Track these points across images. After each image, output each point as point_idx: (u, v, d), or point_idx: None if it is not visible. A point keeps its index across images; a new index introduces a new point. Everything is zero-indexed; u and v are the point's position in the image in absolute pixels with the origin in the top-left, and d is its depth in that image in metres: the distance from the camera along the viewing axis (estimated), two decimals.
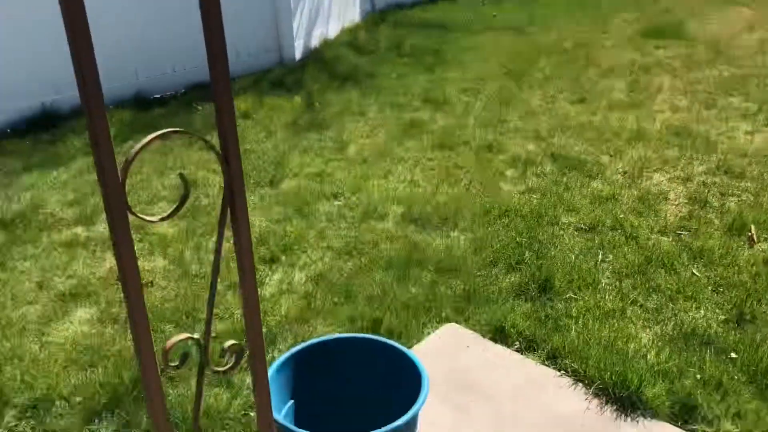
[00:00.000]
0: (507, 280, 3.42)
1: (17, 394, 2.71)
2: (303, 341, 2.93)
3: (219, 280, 3.68)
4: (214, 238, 3.93)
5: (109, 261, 3.79)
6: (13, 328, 3.17)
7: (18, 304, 3.40)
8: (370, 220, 4.14)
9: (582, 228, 3.94)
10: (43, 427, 2.53)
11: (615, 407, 2.54)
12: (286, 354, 2.16)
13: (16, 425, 2.58)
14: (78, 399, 2.68)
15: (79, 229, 4.17)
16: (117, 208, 1.32)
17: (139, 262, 3.74)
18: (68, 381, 2.79)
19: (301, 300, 3.34)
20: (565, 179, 4.61)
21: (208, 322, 1.65)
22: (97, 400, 2.66)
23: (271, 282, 3.51)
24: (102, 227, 4.18)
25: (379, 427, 1.83)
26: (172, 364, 1.61)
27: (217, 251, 1.56)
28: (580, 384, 2.66)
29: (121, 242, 1.35)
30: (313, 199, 4.44)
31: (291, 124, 5.98)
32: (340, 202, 4.41)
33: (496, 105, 6.26)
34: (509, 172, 4.80)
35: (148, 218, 1.41)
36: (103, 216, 4.40)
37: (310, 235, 3.99)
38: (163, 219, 1.46)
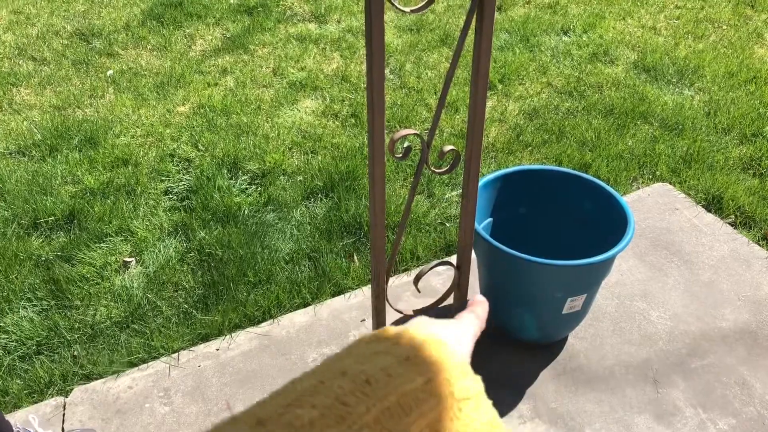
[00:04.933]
0: (737, 150, 3.13)
1: (249, 162, 3.07)
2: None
3: (433, 96, 3.74)
4: (435, 56, 3.96)
5: (337, 61, 3.98)
6: (251, 106, 3.52)
7: (256, 85, 3.74)
8: (597, 62, 3.91)
9: None
10: (268, 194, 2.87)
11: None
12: (494, 174, 2.20)
13: (246, 188, 2.94)
14: (299, 178, 2.98)
15: (312, 26, 4.38)
16: None
17: (362, 67, 3.90)
18: (292, 161, 3.10)
19: (511, 131, 3.33)
20: None
21: (435, 121, 1.72)
22: (314, 182, 2.94)
23: None
24: (332, 27, 4.36)
25: (571, 259, 1.86)
26: (397, 155, 1.72)
27: (457, 50, 1.58)
28: None
29: (375, 29, 1.41)
30: (541, 30, 4.25)
31: None
32: (569, 38, 4.18)
33: None
34: None
35: (402, 8, 1.44)
36: (335, 16, 4.57)
37: (531, 67, 3.88)
38: (414, 11, 1.49)
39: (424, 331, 0.49)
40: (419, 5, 1.51)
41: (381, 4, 1.39)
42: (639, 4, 4.61)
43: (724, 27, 4.31)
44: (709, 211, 2.79)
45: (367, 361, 0.44)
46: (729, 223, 2.72)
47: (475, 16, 1.54)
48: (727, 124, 3.32)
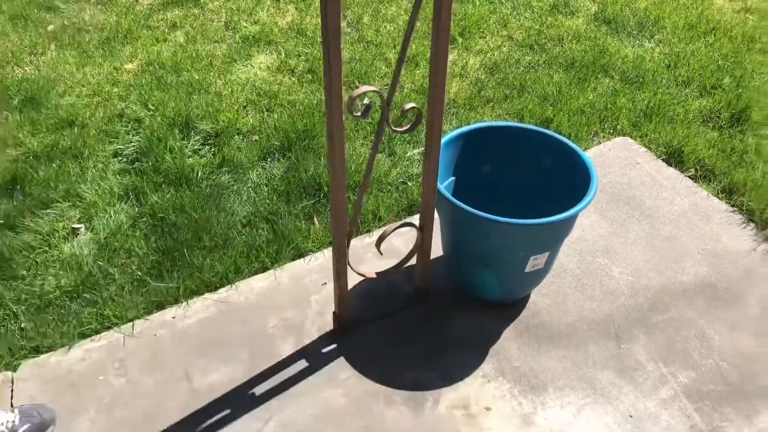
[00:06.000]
0: (697, 103, 3.13)
1: (202, 122, 2.94)
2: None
3: (392, 50, 3.62)
4: (393, 8, 3.85)
5: (291, 14, 3.84)
6: (202, 63, 3.37)
7: (207, 41, 3.58)
8: (558, 14, 3.84)
9: None
10: (223, 155, 2.77)
11: None
12: (456, 131, 2.14)
13: (199, 149, 2.83)
14: (255, 137, 2.88)
15: None
16: None
17: (318, 20, 3.76)
18: (247, 120, 2.99)
19: (472, 86, 3.26)
20: None
21: (395, 79, 1.64)
22: (271, 142, 2.84)
23: None
24: None
25: (533, 217, 1.83)
26: (357, 113, 1.65)
27: (415, 7, 1.50)
28: (752, 224, 2.49)
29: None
30: None
31: None
32: None
33: None
34: None
35: None
36: None
37: (492, 20, 3.79)
38: None
39: None
40: None
41: None
42: None
43: None
44: (670, 164, 2.79)
45: None
46: (689, 177, 2.72)
47: None
48: (687, 76, 3.31)
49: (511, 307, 2.17)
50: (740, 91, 3.18)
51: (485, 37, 3.65)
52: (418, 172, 2.72)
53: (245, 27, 3.69)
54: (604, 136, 2.96)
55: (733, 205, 2.58)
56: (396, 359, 2.00)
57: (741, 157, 2.79)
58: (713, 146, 2.84)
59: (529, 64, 3.42)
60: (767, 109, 3.05)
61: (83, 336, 2.07)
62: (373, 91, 1.59)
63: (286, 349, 2.02)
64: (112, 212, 2.50)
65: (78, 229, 2.45)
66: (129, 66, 3.36)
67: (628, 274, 2.29)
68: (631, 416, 1.86)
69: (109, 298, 2.18)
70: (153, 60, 3.38)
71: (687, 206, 2.58)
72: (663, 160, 2.80)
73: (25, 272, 2.27)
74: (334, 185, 1.69)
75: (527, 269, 1.98)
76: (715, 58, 3.44)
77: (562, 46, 3.56)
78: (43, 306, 2.16)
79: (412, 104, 1.74)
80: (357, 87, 3.22)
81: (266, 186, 2.64)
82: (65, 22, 3.71)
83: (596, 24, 3.76)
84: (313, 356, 2.00)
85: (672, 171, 2.75)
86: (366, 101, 1.71)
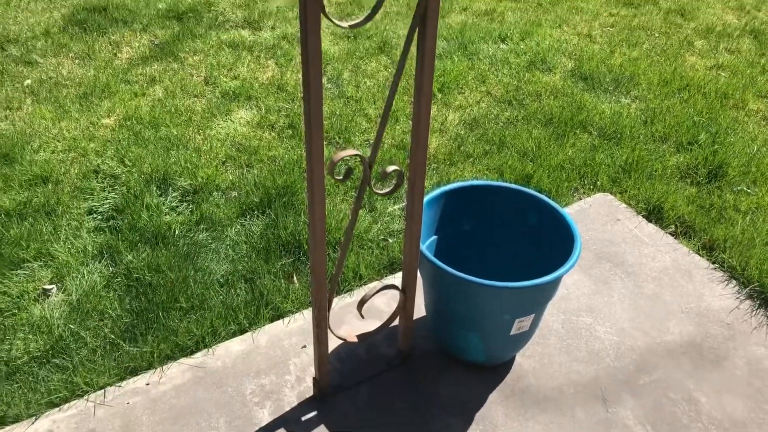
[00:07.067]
0: (675, 159, 3.16)
1: (180, 178, 2.90)
2: (449, 182, 2.91)
3: (372, 105, 3.65)
4: (373, 64, 3.88)
5: (272, 69, 3.85)
6: (181, 117, 3.35)
7: (186, 95, 3.57)
8: (535, 71, 3.90)
9: None
10: (201, 211, 2.72)
11: None
12: (437, 190, 2.13)
13: (177, 206, 2.78)
14: (234, 194, 2.84)
15: (246, 33, 4.23)
16: (312, 7, 1.26)
17: (298, 76, 3.78)
18: (226, 176, 2.95)
19: (452, 142, 3.27)
20: (763, 61, 4.09)
21: (377, 143, 1.62)
22: (250, 198, 2.80)
23: None
24: (267, 34, 4.22)
25: (518, 279, 1.80)
26: (338, 177, 1.62)
27: (399, 70, 1.49)
28: (735, 281, 2.49)
29: (310, 44, 1.31)
30: (479, 38, 4.22)
31: None
32: (506, 46, 4.17)
33: None
34: (699, 44, 4.30)
35: (339, 23, 1.35)
36: (269, 22, 4.43)
37: (470, 76, 3.84)
38: (353, 26, 1.40)
39: None
40: (358, 20, 1.42)
41: (317, 22, 1.29)
42: (574, 11, 4.65)
43: (657, 35, 4.39)
44: (650, 221, 2.79)
45: None
46: (670, 233, 2.73)
47: (416, 36, 1.46)
48: (663, 132, 3.35)
49: (495, 370, 2.12)
50: (716, 147, 3.22)
51: (464, 93, 3.69)
52: (399, 228, 2.69)
53: (225, 82, 3.69)
54: (584, 192, 2.97)
55: (714, 262, 2.58)
56: (379, 426, 1.93)
57: (720, 213, 2.81)
58: (692, 202, 2.86)
59: (508, 119, 3.45)
60: (743, 166, 3.09)
61: (52, 405, 1.98)
62: (354, 154, 1.57)
63: (265, 417, 1.95)
64: (85, 272, 2.43)
65: (49, 290, 2.38)
66: (106, 121, 3.33)
67: (613, 334, 2.26)
68: None
69: (80, 363, 2.09)
70: (131, 115, 3.35)
71: (669, 263, 2.57)
72: (643, 216, 2.81)
73: None
74: (314, 251, 1.66)
75: (513, 332, 1.94)
76: (690, 114, 3.50)
77: (540, 101, 3.60)
78: (10, 373, 2.07)
79: (394, 167, 1.72)
80: (337, 144, 3.21)
81: (245, 244, 2.59)
82: (43, 77, 3.68)
83: (573, 80, 3.82)
84: (293, 424, 1.93)
85: (652, 227, 2.75)
86: (348, 163, 1.69)
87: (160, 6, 4.50)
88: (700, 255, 2.62)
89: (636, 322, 2.31)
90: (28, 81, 3.64)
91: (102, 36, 4.13)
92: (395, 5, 4.62)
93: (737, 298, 2.43)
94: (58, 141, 3.15)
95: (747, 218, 2.78)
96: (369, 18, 1.39)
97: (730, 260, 2.56)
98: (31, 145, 3.10)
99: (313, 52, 1.31)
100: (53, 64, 3.82)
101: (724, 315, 2.35)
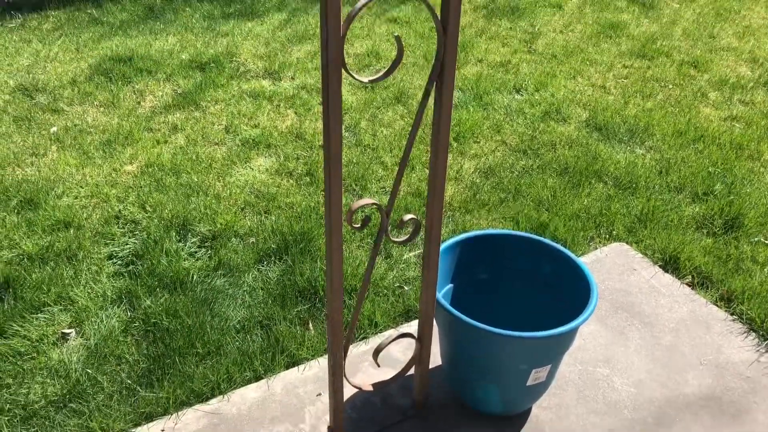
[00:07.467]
0: (690, 209, 3.17)
1: (199, 224, 2.95)
2: (464, 231, 2.93)
3: (389, 153, 3.71)
4: (390, 113, 3.95)
5: (291, 118, 3.93)
6: (202, 165, 3.42)
7: (207, 143, 3.65)
8: (550, 121, 3.95)
9: None
10: (219, 257, 2.75)
11: None
12: (453, 239, 2.15)
13: (196, 252, 2.82)
14: (252, 240, 2.88)
15: (266, 83, 4.34)
16: (334, 61, 1.31)
17: (316, 124, 3.86)
18: (244, 222, 3.00)
19: (467, 190, 3.30)
20: None
21: (394, 192, 1.66)
22: (268, 244, 2.84)
23: None
24: (286, 84, 4.32)
25: (535, 329, 1.80)
26: (355, 225, 1.65)
27: (416, 122, 1.53)
28: (754, 334, 2.46)
29: (332, 96, 1.35)
30: (494, 89, 4.29)
31: (482, 7, 5.73)
32: (521, 97, 4.23)
33: (710, 16, 5.62)
34: (713, 95, 4.34)
35: (359, 77, 1.39)
36: (289, 73, 4.54)
37: (485, 125, 3.89)
38: (372, 81, 1.44)
39: None
40: (377, 75, 1.46)
41: (338, 78, 1.33)
42: (588, 63, 4.72)
43: (670, 86, 4.44)
44: (666, 271, 2.78)
45: None
46: (686, 284, 2.71)
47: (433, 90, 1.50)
48: (678, 182, 3.37)
49: (512, 421, 2.10)
50: (732, 197, 3.22)
51: (479, 142, 3.73)
52: (414, 275, 2.71)
53: (245, 130, 3.76)
54: (600, 242, 2.97)
55: (732, 314, 2.56)
56: None
57: (737, 265, 2.79)
58: (708, 253, 2.85)
59: (523, 168, 3.48)
60: (760, 217, 3.09)
61: None
62: (372, 204, 1.60)
63: None
64: (104, 317, 2.46)
65: (68, 334, 2.40)
66: (128, 167, 3.40)
67: (631, 385, 2.24)
68: None
69: (96, 408, 2.10)
70: (153, 162, 3.42)
71: (686, 314, 2.55)
72: (660, 266, 2.80)
73: (11, 380, 2.20)
74: (330, 301, 1.67)
75: (529, 382, 1.93)
76: (705, 164, 3.52)
77: (555, 151, 3.63)
78: (27, 417, 2.08)
79: (411, 216, 1.74)
80: (354, 192, 3.25)
81: (261, 290, 2.61)
82: (68, 124, 3.78)
83: (588, 130, 3.86)
84: None
85: (669, 278, 2.74)
86: (364, 211, 1.71)
87: (184, 56, 4.63)
88: (717, 306, 2.60)
89: (653, 373, 2.29)
90: (54, 128, 3.74)
91: (126, 85, 4.24)
92: (411, 57, 4.72)
93: (757, 350, 2.40)
94: (81, 187, 3.22)
95: (765, 270, 2.77)
96: (388, 73, 1.44)
97: (749, 312, 2.54)
98: (55, 191, 3.17)
99: (334, 104, 1.36)
100: (79, 112, 3.93)
101: (744, 368, 2.32)
